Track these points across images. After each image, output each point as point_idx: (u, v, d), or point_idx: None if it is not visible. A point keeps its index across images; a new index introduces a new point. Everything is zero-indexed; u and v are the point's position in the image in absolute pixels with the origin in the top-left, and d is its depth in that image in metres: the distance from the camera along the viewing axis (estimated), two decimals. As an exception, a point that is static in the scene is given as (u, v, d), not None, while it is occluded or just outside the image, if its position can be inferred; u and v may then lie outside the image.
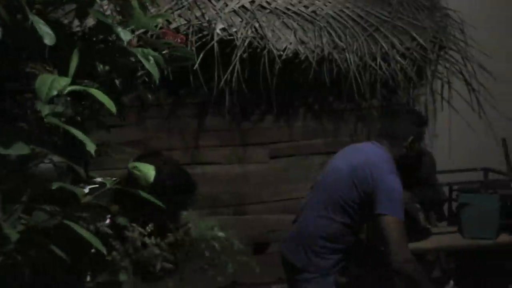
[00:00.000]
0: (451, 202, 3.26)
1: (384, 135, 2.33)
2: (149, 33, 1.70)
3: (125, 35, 1.20)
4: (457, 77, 3.56)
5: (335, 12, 3.25)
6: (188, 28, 2.92)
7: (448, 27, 3.57)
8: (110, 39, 1.29)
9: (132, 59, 1.30)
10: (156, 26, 1.52)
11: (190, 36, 2.89)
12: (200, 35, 2.92)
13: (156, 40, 1.55)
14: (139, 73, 1.53)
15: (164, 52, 1.53)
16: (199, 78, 2.91)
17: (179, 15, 2.98)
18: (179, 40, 1.69)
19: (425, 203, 3.29)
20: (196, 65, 2.83)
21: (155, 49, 1.47)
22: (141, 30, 1.56)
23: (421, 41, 3.35)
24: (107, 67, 1.39)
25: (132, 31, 1.40)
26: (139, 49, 1.28)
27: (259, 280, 3.37)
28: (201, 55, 2.85)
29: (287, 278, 2.54)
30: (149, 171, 1.64)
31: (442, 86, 3.54)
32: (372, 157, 2.18)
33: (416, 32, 3.37)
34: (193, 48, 2.85)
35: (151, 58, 1.35)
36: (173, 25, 2.90)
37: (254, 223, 3.37)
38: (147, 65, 1.24)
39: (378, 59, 3.16)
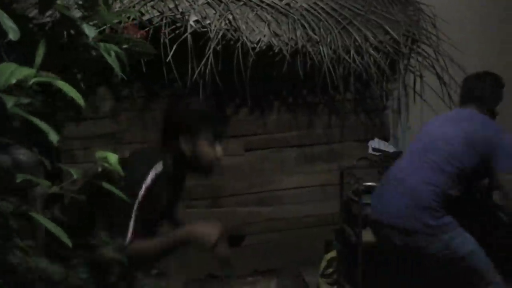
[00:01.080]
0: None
1: (471, 98, 2.48)
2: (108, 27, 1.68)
3: (90, 31, 1.19)
4: (429, 71, 3.61)
5: (309, 5, 3.27)
6: (162, 20, 2.90)
7: (420, 21, 3.61)
8: (74, 33, 1.28)
9: (94, 53, 1.29)
10: (120, 22, 1.52)
11: (163, 28, 2.87)
12: (173, 27, 2.90)
13: (118, 35, 1.54)
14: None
15: (125, 46, 1.53)
16: (173, 71, 2.90)
17: (152, 7, 2.96)
18: (139, 35, 1.70)
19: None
20: (169, 58, 2.81)
21: (116, 44, 1.47)
22: (105, 26, 1.55)
23: (394, 35, 3.38)
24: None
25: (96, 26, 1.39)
26: (102, 44, 1.27)
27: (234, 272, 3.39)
28: (174, 47, 2.83)
29: (392, 245, 2.40)
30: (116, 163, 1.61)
31: (415, 79, 3.59)
32: (483, 122, 2.36)
33: (389, 26, 3.40)
34: (166, 40, 2.84)
35: (112, 53, 1.35)
36: (146, 17, 2.88)
37: (229, 216, 3.38)
38: (109, 60, 1.24)
39: (352, 52, 3.19)
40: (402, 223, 2.27)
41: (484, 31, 4.02)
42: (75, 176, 1.40)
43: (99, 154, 1.51)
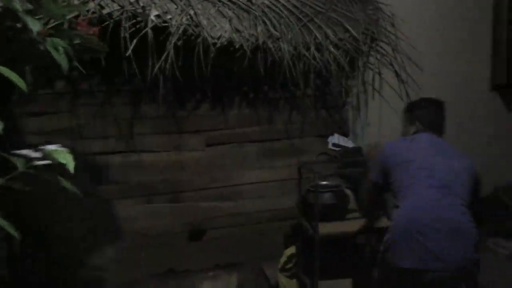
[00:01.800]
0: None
1: (438, 126, 2.64)
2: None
3: (34, 25, 1.18)
4: (387, 68, 3.70)
5: (270, 2, 3.28)
6: (122, 14, 2.86)
7: (379, 20, 3.68)
8: (19, 27, 1.26)
9: (42, 48, 1.28)
10: (78, 16, 1.51)
11: (123, 22, 2.84)
12: (133, 21, 2.87)
13: (68, 30, 1.53)
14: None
15: (76, 42, 1.52)
16: (133, 66, 2.88)
17: (113, 0, 2.92)
18: (92, 32, 1.69)
19: (356, 188, 3.43)
20: (129, 52, 2.79)
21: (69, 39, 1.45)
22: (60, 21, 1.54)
23: (353, 32, 3.44)
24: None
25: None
26: (49, 39, 1.26)
27: (195, 267, 3.40)
28: (135, 42, 2.81)
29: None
30: (69, 161, 1.60)
31: (374, 76, 3.67)
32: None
33: (349, 24, 3.46)
34: (126, 35, 2.81)
35: (61, 48, 1.34)
36: (106, 11, 2.84)
37: (190, 211, 3.39)
38: (55, 56, 1.23)
39: (312, 49, 3.23)
40: (460, 263, 2.19)
41: (441, 30, 4.13)
42: (19, 167, 1.39)
43: (49, 148, 1.50)
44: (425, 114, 2.62)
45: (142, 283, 3.24)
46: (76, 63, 1.59)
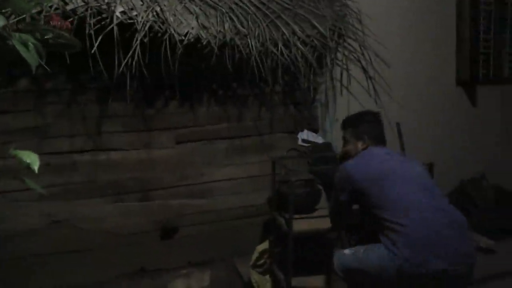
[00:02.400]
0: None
1: (383, 138, 2.71)
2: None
3: (-1, 20, 1.15)
4: (355, 65, 3.75)
5: (237, -2, 3.30)
6: (86, 10, 2.82)
7: (347, 16, 3.74)
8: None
9: (10, 43, 1.25)
10: (40, 12, 1.47)
11: (88, 19, 2.80)
12: (99, 17, 2.84)
13: (37, 25, 1.50)
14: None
15: (47, 37, 1.48)
16: (99, 63, 2.84)
17: (77, -4, 2.89)
18: (64, 26, 1.66)
19: (327, 185, 3.47)
20: (95, 49, 2.76)
21: (42, 35, 1.42)
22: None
23: (321, 29, 3.48)
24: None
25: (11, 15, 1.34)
26: (17, 34, 1.23)
27: (167, 266, 3.38)
28: (100, 39, 2.77)
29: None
30: (33, 160, 1.57)
31: (341, 73, 3.71)
32: None
33: (317, 20, 3.50)
34: (91, 32, 2.78)
35: (30, 44, 1.31)
36: (70, 7, 2.80)
37: (161, 209, 3.37)
38: (22, 51, 1.20)
39: (280, 45, 3.25)
40: (474, 254, 2.28)
41: (408, 26, 4.21)
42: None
43: (13, 151, 1.47)
44: (372, 128, 2.68)
45: (113, 283, 3.20)
46: (42, 62, 1.56)
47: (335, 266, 2.52)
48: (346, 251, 2.52)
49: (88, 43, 2.75)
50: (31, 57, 1.32)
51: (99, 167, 3.22)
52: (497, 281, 3.28)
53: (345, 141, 2.72)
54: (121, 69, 2.87)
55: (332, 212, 2.79)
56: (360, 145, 2.60)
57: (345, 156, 2.70)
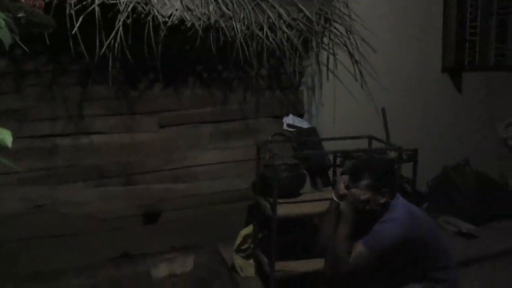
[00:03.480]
0: (336, 168, 3.45)
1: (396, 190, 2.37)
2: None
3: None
4: (341, 49, 3.74)
5: (221, -20, 3.24)
6: (67, -10, 2.76)
7: (333, 0, 3.71)
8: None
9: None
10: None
11: (69, -1, 2.74)
12: (80, -3, 2.78)
13: (9, 3, 1.44)
14: None
15: (19, 15, 1.43)
16: (80, 44, 2.78)
17: (58, -24, 2.82)
18: (37, 4, 1.61)
19: (312, 169, 3.47)
20: (75, 30, 2.69)
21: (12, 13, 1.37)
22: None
23: (307, 12, 3.44)
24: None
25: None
26: None
27: (151, 250, 3.36)
28: (80, 20, 2.71)
29: None
30: (6, 136, 1.53)
31: (328, 57, 3.69)
32: None
33: (303, 4, 3.46)
34: (72, 12, 2.71)
35: (1, 21, 1.26)
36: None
37: (144, 193, 3.34)
38: None
39: (265, 29, 3.21)
40: None
41: (395, 10, 4.17)
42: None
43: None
44: (394, 177, 2.33)
45: (96, 267, 3.18)
46: (17, 40, 1.51)
47: None
48: None
49: (69, 24, 2.69)
50: (4, 35, 1.27)
51: (81, 151, 3.18)
52: (477, 264, 3.32)
53: (359, 192, 2.15)
54: (103, 50, 2.81)
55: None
56: (379, 198, 2.14)
57: (367, 201, 2.15)
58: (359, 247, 2.07)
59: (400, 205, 2.18)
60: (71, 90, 3.08)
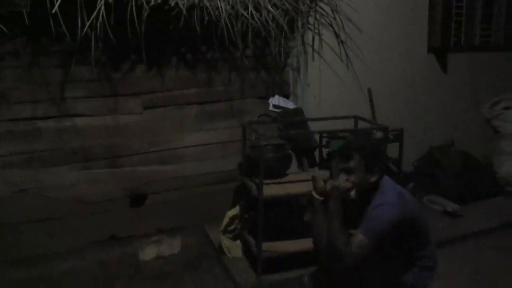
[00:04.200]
0: (322, 148, 3.45)
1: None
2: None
3: None
4: (327, 29, 3.71)
5: (206, -42, 3.19)
6: (47, -31, 2.70)
7: (319, -20, 3.68)
8: None
9: None
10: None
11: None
12: (60, -24, 2.71)
13: None
14: None
15: None
16: (61, 24, 2.73)
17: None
18: None
19: (298, 150, 3.46)
20: (55, 9, 2.64)
21: None
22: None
23: (292, -8, 3.41)
24: None
25: None
26: None
27: (138, 232, 3.36)
28: (60, -1, 2.66)
29: None
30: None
31: (313, 37, 3.67)
32: None
33: (288, -17, 3.43)
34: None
35: None
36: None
37: (130, 176, 3.32)
38: None
39: (250, 8, 3.18)
40: None
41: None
42: None
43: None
44: (380, 158, 2.29)
45: (83, 251, 3.17)
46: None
47: None
48: None
49: (49, 3, 2.63)
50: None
51: (64, 134, 3.14)
52: (461, 242, 3.37)
53: (349, 172, 2.16)
54: (84, 31, 2.76)
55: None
56: (369, 177, 2.15)
57: (350, 189, 2.16)
58: (359, 237, 2.04)
59: (390, 187, 2.18)
60: (53, 72, 3.03)
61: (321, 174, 2.22)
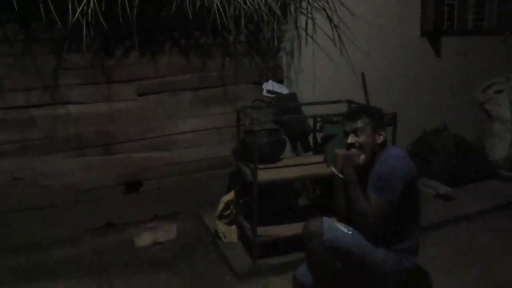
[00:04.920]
0: (316, 133, 3.45)
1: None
2: None
3: None
4: (320, 13, 3.69)
5: None
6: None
7: (312, -37, 3.66)
8: None
9: None
10: None
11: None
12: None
13: None
14: None
15: None
16: (51, 11, 2.70)
17: None
18: None
19: (292, 135, 3.47)
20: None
21: None
22: None
23: (285, -24, 3.39)
24: None
25: None
26: None
27: (134, 219, 3.37)
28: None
29: None
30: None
31: (307, 22, 3.65)
32: None
33: (281, -33, 3.41)
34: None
35: None
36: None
37: (125, 163, 3.32)
38: None
39: (243, -7, 3.16)
40: None
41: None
42: None
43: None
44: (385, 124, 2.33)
45: (79, 238, 3.18)
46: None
47: (324, 236, 2.16)
48: (341, 227, 2.20)
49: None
50: None
51: (58, 122, 3.13)
52: (453, 225, 3.41)
53: (357, 132, 2.21)
54: (75, 17, 2.74)
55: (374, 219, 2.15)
56: (377, 138, 2.21)
57: (359, 154, 2.22)
58: (373, 197, 2.10)
59: (393, 147, 2.27)
60: (45, 60, 3.01)
61: (341, 151, 2.27)
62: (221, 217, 3.19)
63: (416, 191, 2.22)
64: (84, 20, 2.78)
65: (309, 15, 3.61)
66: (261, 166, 2.83)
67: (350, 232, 2.19)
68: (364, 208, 2.13)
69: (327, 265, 2.20)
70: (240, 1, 3.14)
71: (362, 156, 2.21)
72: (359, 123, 2.20)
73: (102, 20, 2.79)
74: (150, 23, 3.13)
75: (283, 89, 3.61)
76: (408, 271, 2.25)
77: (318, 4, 3.61)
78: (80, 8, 2.72)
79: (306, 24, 3.65)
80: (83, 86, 3.14)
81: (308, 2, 3.58)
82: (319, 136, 3.39)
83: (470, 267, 2.84)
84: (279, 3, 3.36)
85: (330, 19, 3.65)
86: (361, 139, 2.20)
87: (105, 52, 3.12)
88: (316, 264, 2.22)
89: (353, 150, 2.22)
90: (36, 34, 2.93)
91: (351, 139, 2.22)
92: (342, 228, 2.20)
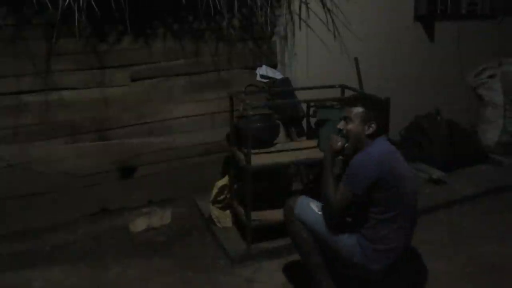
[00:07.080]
0: (309, 118, 3.46)
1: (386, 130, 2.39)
2: None
3: None
4: (313, -2, 3.68)
5: None
6: None
7: None
8: None
9: None
10: None
11: None
12: None
13: None
14: None
15: None
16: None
17: None
18: None
19: (286, 119, 3.48)
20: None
21: None
22: None
23: (278, -41, 3.36)
24: None
25: None
26: None
27: (129, 205, 3.38)
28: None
29: None
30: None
31: (300, 6, 3.63)
32: None
33: (274, -50, 3.38)
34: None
35: None
36: None
37: (119, 148, 3.32)
38: None
39: (236, -23, 3.14)
40: None
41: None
42: None
43: None
44: (384, 116, 2.37)
45: (74, 224, 3.19)
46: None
47: (295, 210, 2.30)
48: (314, 206, 2.27)
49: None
50: None
51: (51, 108, 3.11)
52: (445, 209, 3.45)
53: (348, 120, 2.25)
54: (67, 1, 2.71)
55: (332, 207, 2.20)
56: (366, 129, 2.21)
57: (344, 135, 2.27)
58: (340, 186, 2.16)
59: (380, 145, 2.21)
60: (37, 45, 2.98)
61: (337, 137, 2.30)
62: (215, 202, 3.20)
63: (392, 194, 2.13)
64: (76, 4, 2.74)
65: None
66: (255, 151, 2.84)
67: (320, 213, 2.26)
68: (329, 192, 2.18)
69: (302, 237, 2.31)
70: (233, -15, 3.11)
71: (346, 144, 2.25)
72: (351, 111, 2.24)
73: (94, 4, 2.76)
74: (142, 7, 3.10)
75: (276, 74, 3.61)
76: (376, 272, 2.19)
77: (311, -12, 3.59)
78: (71, -9, 2.69)
79: (300, 9, 3.63)
80: (76, 71, 3.12)
81: (302, -14, 3.57)
82: (312, 121, 3.40)
83: (459, 250, 2.89)
84: (272, -13, 3.34)
85: (323, 4, 3.63)
86: (349, 126, 2.24)
87: (98, 37, 3.09)
88: (291, 235, 2.36)
89: (336, 136, 2.28)
90: (27, 19, 2.90)
91: (340, 125, 2.29)
92: (314, 207, 2.29)
